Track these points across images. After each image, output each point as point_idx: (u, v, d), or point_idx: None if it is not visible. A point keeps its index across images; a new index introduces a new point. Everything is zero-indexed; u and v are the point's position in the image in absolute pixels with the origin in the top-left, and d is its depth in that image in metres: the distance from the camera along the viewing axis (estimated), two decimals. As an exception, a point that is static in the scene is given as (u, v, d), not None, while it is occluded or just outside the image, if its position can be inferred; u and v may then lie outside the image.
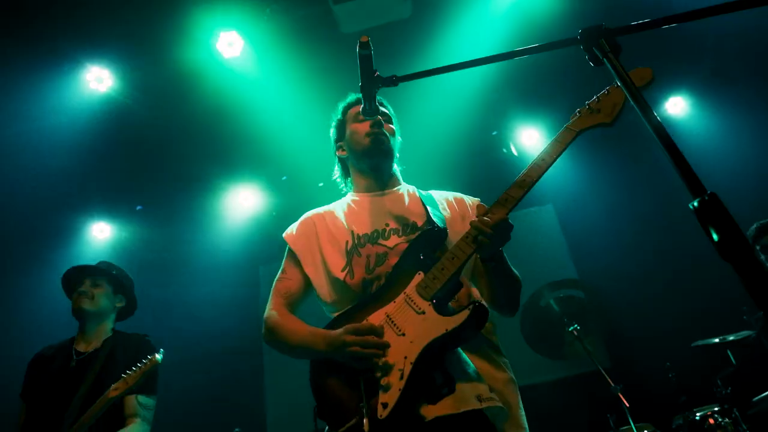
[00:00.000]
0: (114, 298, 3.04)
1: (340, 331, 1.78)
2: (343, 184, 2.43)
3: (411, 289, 1.83)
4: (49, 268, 5.46)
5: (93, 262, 3.16)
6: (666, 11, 1.33)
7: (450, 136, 6.28)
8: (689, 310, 5.35)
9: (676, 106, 6.82)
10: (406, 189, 2.27)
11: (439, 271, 1.80)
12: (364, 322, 1.80)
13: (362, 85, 1.78)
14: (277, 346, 2.03)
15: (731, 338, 4.20)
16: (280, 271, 2.18)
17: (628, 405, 3.83)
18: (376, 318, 1.82)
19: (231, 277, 6.99)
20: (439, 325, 1.70)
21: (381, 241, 2.02)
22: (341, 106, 2.43)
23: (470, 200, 2.27)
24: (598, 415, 4.21)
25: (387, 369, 1.70)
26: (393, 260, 1.95)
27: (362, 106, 1.93)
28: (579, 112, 1.95)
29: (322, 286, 2.06)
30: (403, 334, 1.72)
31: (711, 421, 3.87)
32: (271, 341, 2.03)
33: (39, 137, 5.52)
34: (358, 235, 2.06)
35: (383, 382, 1.68)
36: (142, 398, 2.74)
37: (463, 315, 1.70)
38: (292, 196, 7.20)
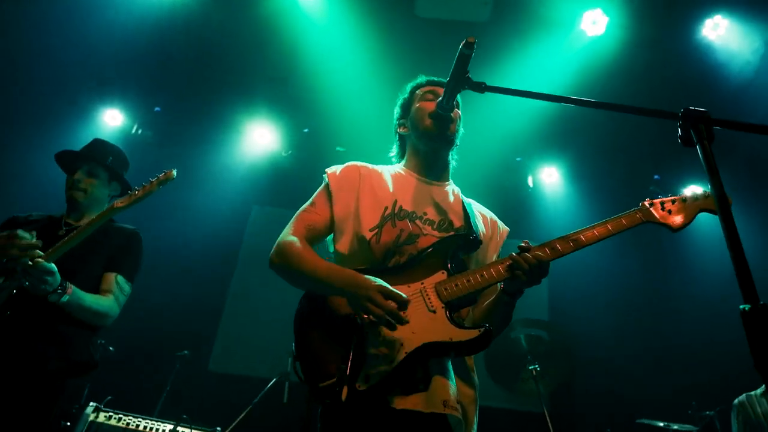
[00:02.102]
0: (108, 187, 2.98)
1: (371, 281, 1.72)
2: (399, 154, 2.40)
3: (430, 284, 1.83)
4: (54, 143, 5.43)
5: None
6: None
7: (476, 150, 6.31)
8: (644, 386, 5.49)
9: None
10: (452, 188, 2.26)
11: (464, 281, 1.82)
12: (400, 293, 1.72)
13: (450, 81, 1.80)
14: (283, 269, 1.96)
15: (675, 427, 4.33)
16: (309, 203, 2.13)
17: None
18: None
19: (223, 207, 7.00)
20: (445, 331, 1.72)
21: (418, 222, 2.02)
22: (410, 85, 2.39)
23: (502, 227, 2.28)
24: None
25: (381, 345, 1.70)
26: (421, 245, 1.95)
27: (440, 99, 1.96)
28: (651, 203, 1.96)
29: (344, 234, 2.02)
30: (407, 322, 1.68)
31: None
32: (281, 263, 1.96)
33: (89, 9, 5.42)
34: (400, 206, 2.04)
35: (373, 357, 1.68)
36: (121, 279, 2.72)
37: (472, 334, 1.71)
38: (306, 151, 7.20)
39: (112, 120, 6.99)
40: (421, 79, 2.37)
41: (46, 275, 2.27)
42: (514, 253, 1.84)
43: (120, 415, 3.47)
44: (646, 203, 1.95)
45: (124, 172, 3.07)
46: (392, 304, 1.66)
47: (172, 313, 6.04)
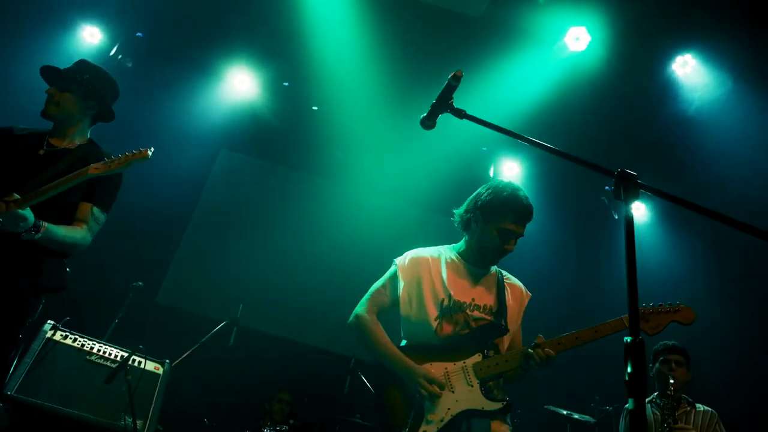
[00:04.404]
0: (84, 103, 2.94)
1: (419, 371, 2.38)
2: (459, 228, 2.77)
3: (469, 363, 2.44)
4: (33, 55, 5.37)
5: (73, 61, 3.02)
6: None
7: (445, 137, 6.56)
8: (558, 377, 6.01)
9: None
10: (494, 274, 2.73)
11: (494, 364, 2.43)
12: (437, 376, 2.38)
13: (435, 104, 2.08)
14: (358, 339, 2.61)
15: (575, 416, 4.88)
16: (380, 284, 2.72)
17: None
18: (438, 368, 2.42)
19: (192, 145, 7.07)
20: (479, 401, 2.37)
21: (468, 311, 2.56)
22: (509, 205, 2.54)
23: (525, 292, 2.79)
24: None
25: (434, 409, 2.33)
26: (468, 329, 2.53)
27: (423, 117, 2.21)
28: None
29: (411, 316, 2.59)
30: (453, 392, 2.37)
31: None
32: (358, 334, 2.60)
33: None
34: (454, 299, 2.56)
35: (428, 417, 2.33)
36: (96, 210, 2.80)
37: (497, 405, 2.38)
38: (283, 103, 7.31)
39: (90, 37, 6.89)
40: (519, 205, 2.54)
41: (20, 221, 2.40)
42: (529, 349, 2.40)
43: (76, 336, 3.65)
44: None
45: (108, 96, 3.04)
46: (435, 389, 2.33)
47: (131, 243, 6.17)
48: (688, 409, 3.60)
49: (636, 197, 1.73)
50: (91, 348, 3.67)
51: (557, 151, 1.96)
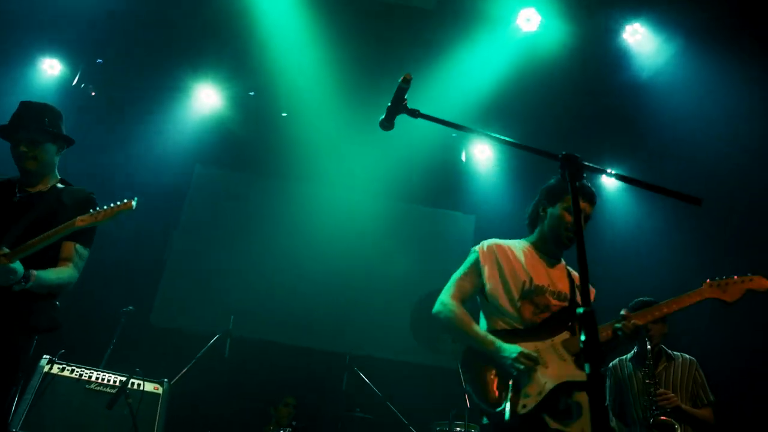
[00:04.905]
0: (55, 146, 3.00)
1: (514, 348, 2.42)
2: (530, 226, 2.92)
3: (558, 341, 2.51)
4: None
5: (37, 95, 3.01)
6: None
7: (416, 125, 6.68)
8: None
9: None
10: (564, 265, 2.85)
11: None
12: (531, 351, 2.42)
13: (390, 106, 2.19)
14: (449, 327, 2.61)
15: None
16: (462, 272, 2.76)
17: (469, 406, 4.59)
18: (528, 347, 2.46)
19: (167, 165, 7.10)
20: (575, 373, 2.39)
21: (547, 295, 2.66)
22: (569, 186, 2.75)
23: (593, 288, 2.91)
24: (444, 405, 4.97)
25: (531, 384, 2.37)
26: (548, 312, 2.61)
27: (381, 119, 2.33)
28: (711, 283, 2.60)
29: (496, 301, 2.65)
30: (547, 367, 2.40)
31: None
32: (448, 323, 2.61)
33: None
34: (535, 283, 2.65)
35: (526, 391, 2.36)
36: (79, 247, 2.86)
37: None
38: (252, 113, 7.38)
39: (50, 69, 6.88)
40: (582, 192, 2.71)
41: (10, 274, 2.47)
42: (617, 323, 2.48)
43: (73, 367, 3.73)
44: (708, 282, 2.61)
45: (64, 127, 3.07)
46: (531, 363, 2.37)
47: (119, 269, 6.22)
48: (667, 364, 3.77)
49: (581, 178, 1.88)
50: (89, 377, 3.75)
51: (504, 140, 2.08)
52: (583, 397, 2.43)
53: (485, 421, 2.55)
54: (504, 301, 2.63)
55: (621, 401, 3.78)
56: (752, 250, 4.87)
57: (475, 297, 2.76)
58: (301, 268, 7.10)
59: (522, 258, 2.75)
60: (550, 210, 2.79)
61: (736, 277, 2.62)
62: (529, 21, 5.51)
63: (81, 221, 2.68)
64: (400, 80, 2.10)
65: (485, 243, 2.82)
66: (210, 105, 7.25)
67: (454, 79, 5.71)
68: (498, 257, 2.73)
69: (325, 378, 6.30)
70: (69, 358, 3.82)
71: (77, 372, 3.74)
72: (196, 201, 7.48)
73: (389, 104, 2.17)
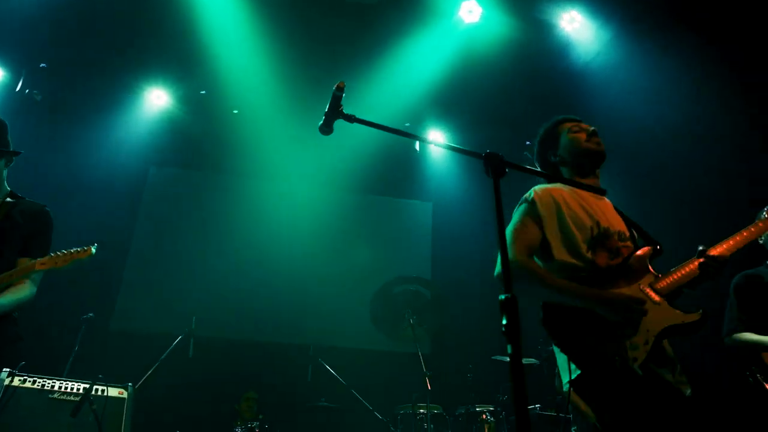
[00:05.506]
0: (1, 161, 2.97)
1: (624, 294, 2.21)
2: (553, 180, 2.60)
3: (645, 284, 2.30)
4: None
5: None
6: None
7: (368, 115, 6.79)
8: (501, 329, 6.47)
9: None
10: (608, 201, 2.60)
11: (672, 279, 2.30)
12: (641, 299, 2.21)
13: (327, 112, 2.29)
14: (524, 284, 2.27)
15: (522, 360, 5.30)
16: (519, 222, 2.43)
17: (429, 388, 4.80)
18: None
19: (120, 168, 7.05)
20: (676, 316, 2.21)
21: (615, 238, 2.40)
22: (555, 119, 2.71)
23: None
24: (405, 389, 5.17)
25: (634, 333, 2.16)
26: (621, 257, 2.36)
27: (320, 124, 2.43)
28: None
29: (563, 253, 2.37)
30: (645, 314, 2.18)
31: (483, 416, 4.97)
32: (522, 280, 2.27)
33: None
34: (603, 226, 2.39)
35: (632, 342, 2.15)
36: (36, 262, 2.87)
37: (695, 316, 2.19)
38: (203, 112, 7.36)
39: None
40: (567, 116, 2.71)
41: None
42: (706, 259, 2.30)
43: (35, 378, 3.73)
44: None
45: (8, 136, 3.04)
46: (641, 307, 2.17)
47: (77, 276, 6.16)
48: None
49: (503, 174, 2.04)
50: (52, 386, 3.75)
51: (433, 143, 2.23)
52: (666, 343, 2.29)
53: (575, 375, 2.19)
54: (573, 252, 2.36)
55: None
56: (674, 220, 5.13)
57: (536, 250, 2.43)
58: (262, 263, 7.18)
59: (578, 200, 2.48)
60: (556, 146, 2.64)
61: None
62: (471, 12, 5.68)
63: (41, 264, 2.77)
64: (334, 88, 2.21)
65: (534, 189, 2.52)
66: (160, 106, 7.21)
67: (400, 72, 5.84)
68: (555, 202, 2.44)
69: (290, 371, 6.42)
70: (31, 370, 3.80)
71: (39, 382, 3.74)
72: (152, 202, 7.46)
73: (326, 110, 2.29)
